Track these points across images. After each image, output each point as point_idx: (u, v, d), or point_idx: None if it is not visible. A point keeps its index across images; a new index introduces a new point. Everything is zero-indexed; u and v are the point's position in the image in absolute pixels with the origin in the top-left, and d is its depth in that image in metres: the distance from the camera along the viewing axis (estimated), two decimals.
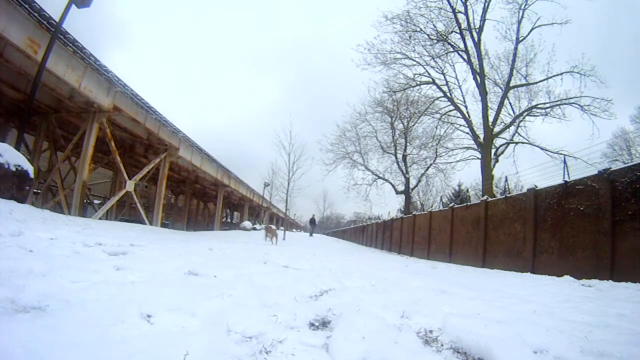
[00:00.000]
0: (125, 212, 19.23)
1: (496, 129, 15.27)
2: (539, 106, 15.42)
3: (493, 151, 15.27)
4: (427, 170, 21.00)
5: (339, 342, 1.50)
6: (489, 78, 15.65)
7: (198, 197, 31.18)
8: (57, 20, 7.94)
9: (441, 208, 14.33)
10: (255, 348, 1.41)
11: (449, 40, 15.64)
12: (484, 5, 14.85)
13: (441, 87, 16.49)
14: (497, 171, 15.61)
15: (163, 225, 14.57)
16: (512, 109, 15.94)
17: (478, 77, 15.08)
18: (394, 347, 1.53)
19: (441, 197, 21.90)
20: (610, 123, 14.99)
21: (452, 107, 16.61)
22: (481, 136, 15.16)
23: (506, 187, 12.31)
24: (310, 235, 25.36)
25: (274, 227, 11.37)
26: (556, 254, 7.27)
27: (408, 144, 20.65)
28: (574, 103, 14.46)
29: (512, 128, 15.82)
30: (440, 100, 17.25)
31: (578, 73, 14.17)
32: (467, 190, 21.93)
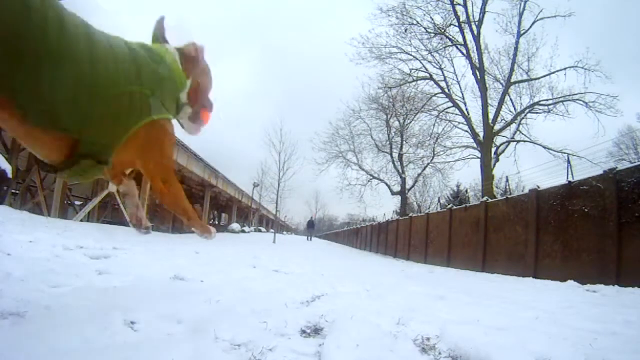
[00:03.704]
0: (107, 213, 19.15)
1: (496, 127, 15.09)
2: (542, 103, 15.22)
3: (493, 150, 15.08)
4: (424, 169, 20.76)
5: (331, 350, 1.45)
6: (489, 73, 15.45)
7: None
8: None
9: (439, 209, 14.19)
10: (244, 356, 1.36)
11: (447, 34, 15.49)
12: None
13: (439, 82, 16.31)
14: (498, 171, 15.40)
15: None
16: (513, 106, 15.73)
17: (477, 73, 14.90)
18: (389, 355, 1.49)
19: (439, 198, 21.39)
20: (616, 120, 14.72)
21: (450, 104, 16.42)
22: (481, 134, 14.98)
23: (507, 187, 12.17)
24: (309, 239, 24.42)
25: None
26: (559, 257, 7.17)
27: (404, 142, 20.35)
28: (577, 99, 14.24)
29: (513, 126, 15.64)
30: (438, 97, 17.10)
31: (582, 68, 13.96)
32: (466, 191, 21.65)
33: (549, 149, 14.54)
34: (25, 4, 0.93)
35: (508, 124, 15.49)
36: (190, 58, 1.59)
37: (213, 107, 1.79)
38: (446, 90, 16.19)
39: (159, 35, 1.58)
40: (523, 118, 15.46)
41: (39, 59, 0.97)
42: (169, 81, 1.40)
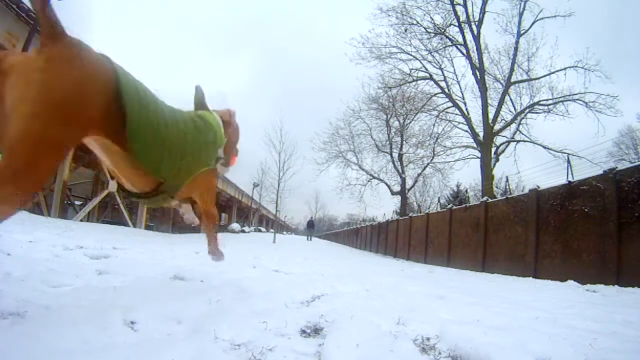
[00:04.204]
0: (107, 213, 19.08)
1: (496, 127, 15.09)
2: (542, 103, 15.22)
3: (493, 150, 15.07)
4: (424, 169, 20.74)
5: (331, 350, 1.45)
6: (488, 73, 15.45)
7: None
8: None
9: (439, 209, 14.17)
10: (244, 356, 1.36)
11: (447, 34, 15.50)
12: None
13: (439, 82, 16.32)
14: (498, 171, 15.38)
15: (147, 227, 14.40)
16: (513, 106, 15.72)
17: (477, 72, 14.90)
18: (389, 355, 1.48)
19: (439, 198, 21.36)
20: (616, 120, 14.77)
21: (450, 104, 16.44)
22: (481, 134, 14.98)
23: (507, 187, 12.18)
24: (309, 239, 24.51)
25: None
26: (559, 257, 7.17)
27: (404, 142, 20.32)
28: (578, 99, 14.24)
29: (513, 126, 15.65)
30: (438, 97, 17.12)
31: (582, 68, 13.97)
32: (466, 191, 21.59)
33: (549, 149, 14.54)
34: (163, 120, 1.50)
35: (508, 124, 15.47)
36: (226, 122, 2.17)
37: (239, 153, 2.49)
38: (446, 90, 16.18)
39: (201, 103, 2.10)
40: (523, 118, 15.44)
41: (158, 146, 1.49)
42: (215, 143, 2.00)
